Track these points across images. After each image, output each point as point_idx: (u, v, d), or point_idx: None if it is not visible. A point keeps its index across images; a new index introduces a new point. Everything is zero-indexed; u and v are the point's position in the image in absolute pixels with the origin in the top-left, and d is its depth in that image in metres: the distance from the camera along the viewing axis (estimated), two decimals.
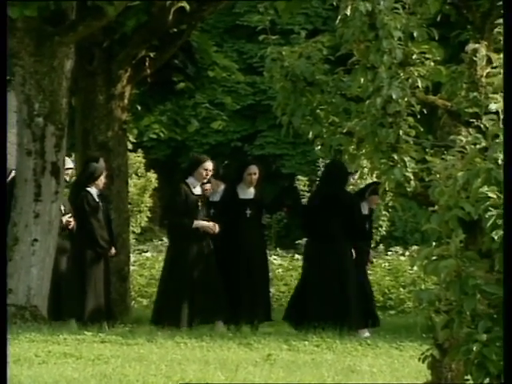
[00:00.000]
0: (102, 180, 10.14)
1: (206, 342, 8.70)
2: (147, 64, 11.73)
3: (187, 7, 11.29)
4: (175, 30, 11.71)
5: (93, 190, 10.10)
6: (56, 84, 9.95)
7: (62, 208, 9.92)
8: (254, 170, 10.24)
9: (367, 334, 9.75)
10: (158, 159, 20.89)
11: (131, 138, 14.69)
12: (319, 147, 5.86)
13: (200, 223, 9.90)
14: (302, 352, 8.35)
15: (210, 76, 13.38)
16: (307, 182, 16.32)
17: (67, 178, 10.09)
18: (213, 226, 9.89)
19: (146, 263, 13.64)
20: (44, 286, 9.79)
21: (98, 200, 10.10)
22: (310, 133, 5.81)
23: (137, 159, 16.91)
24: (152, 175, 16.86)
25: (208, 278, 9.85)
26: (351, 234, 9.93)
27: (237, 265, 9.98)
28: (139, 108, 13.11)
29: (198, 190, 10.03)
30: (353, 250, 9.97)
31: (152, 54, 11.75)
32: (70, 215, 9.92)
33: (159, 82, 12.54)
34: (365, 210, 10.20)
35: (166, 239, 16.98)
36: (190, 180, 10.05)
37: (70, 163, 10.16)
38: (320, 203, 10.11)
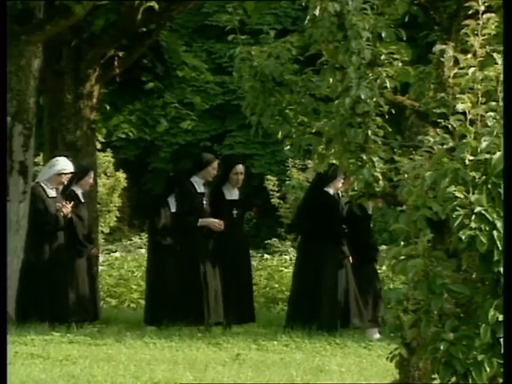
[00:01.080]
0: (87, 180, 10.13)
1: (175, 342, 8.69)
2: (116, 63, 11.69)
3: (156, 7, 11.26)
4: (144, 29, 11.68)
5: (78, 190, 10.08)
6: (23, 83, 9.89)
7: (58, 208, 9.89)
8: (240, 169, 10.24)
9: (377, 335, 9.62)
10: (127, 159, 20.83)
11: (100, 138, 14.63)
12: (288, 147, 5.87)
13: (206, 221, 9.89)
14: (271, 352, 8.37)
15: (179, 76, 13.36)
16: (276, 182, 16.33)
17: (65, 182, 10.00)
18: (218, 223, 9.87)
19: (115, 263, 13.59)
20: (11, 287, 9.72)
21: (83, 200, 10.09)
22: (279, 133, 5.82)
23: (106, 159, 16.84)
24: (121, 175, 16.80)
25: (212, 278, 9.86)
26: (330, 233, 9.96)
27: (226, 266, 9.97)
28: (108, 107, 13.06)
29: (201, 189, 10.02)
30: (345, 249, 9.92)
31: (121, 54, 11.71)
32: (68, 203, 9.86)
33: (128, 82, 12.50)
34: (369, 209, 10.24)
35: (134, 239, 16.91)
36: (195, 179, 10.04)
37: (71, 167, 10.04)
38: (304, 204, 10.23)
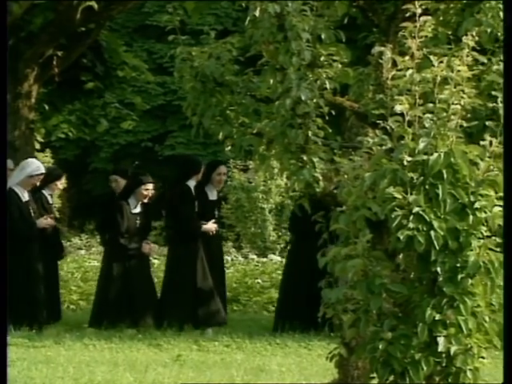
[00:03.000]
0: (57, 184, 10.02)
1: (115, 344, 8.64)
2: (55, 63, 11.58)
3: (95, 6, 11.18)
4: (83, 28, 11.60)
5: (47, 192, 9.95)
6: None
7: (31, 211, 9.71)
8: (223, 170, 10.18)
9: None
10: (66, 159, 20.61)
11: (39, 138, 14.46)
12: (229, 148, 5.88)
13: (207, 227, 9.91)
14: (212, 352, 8.37)
15: (119, 76, 13.28)
16: None
17: (38, 184, 9.86)
18: (215, 227, 9.94)
19: None
20: None
21: (51, 202, 9.97)
22: (220, 133, 5.83)
23: (45, 159, 16.65)
24: None
25: (202, 280, 9.82)
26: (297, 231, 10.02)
27: (211, 268, 9.95)
28: (47, 107, 12.93)
29: (194, 192, 10.02)
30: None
31: (60, 53, 11.60)
32: (46, 216, 9.75)
33: (67, 81, 12.39)
34: None
35: (74, 240, 16.75)
36: (191, 182, 10.01)
37: (43, 168, 9.84)
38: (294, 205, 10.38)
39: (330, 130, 5.55)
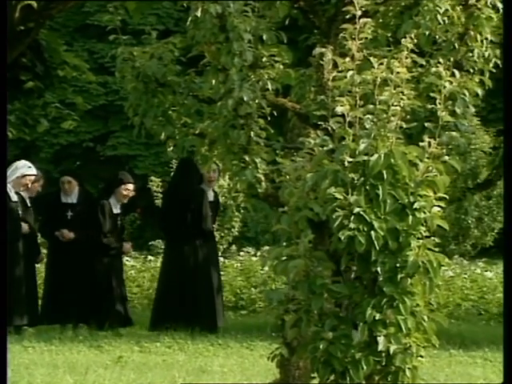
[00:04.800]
0: (35, 186, 9.90)
1: (55, 346, 8.57)
2: None
3: (35, 4, 11.07)
4: (22, 27, 11.46)
5: (25, 194, 9.84)
6: None
7: (20, 212, 9.60)
8: (212, 167, 10.14)
9: None
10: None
11: None
12: (171, 148, 5.87)
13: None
14: (154, 353, 8.34)
15: (59, 75, 13.16)
16: (160, 183, 16.26)
17: (30, 185, 9.75)
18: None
19: None
20: None
21: (29, 205, 9.85)
22: (163, 134, 5.82)
23: None
24: None
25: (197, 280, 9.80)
26: None
27: (205, 269, 9.89)
28: None
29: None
30: None
31: None
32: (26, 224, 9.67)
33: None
34: None
35: None
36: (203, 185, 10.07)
37: (34, 170, 9.75)
38: None
39: (272, 131, 5.57)
